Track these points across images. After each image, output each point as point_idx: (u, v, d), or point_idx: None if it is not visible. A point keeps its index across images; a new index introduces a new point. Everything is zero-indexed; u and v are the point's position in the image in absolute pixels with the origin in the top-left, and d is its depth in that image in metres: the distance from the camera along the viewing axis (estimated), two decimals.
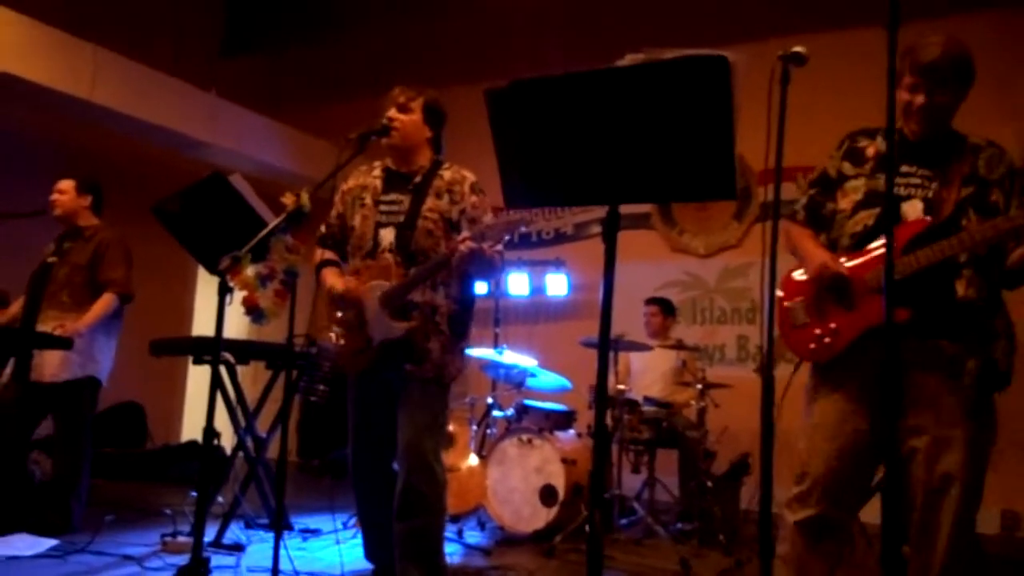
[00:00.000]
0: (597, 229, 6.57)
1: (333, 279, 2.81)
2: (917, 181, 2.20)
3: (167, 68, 5.87)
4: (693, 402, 4.66)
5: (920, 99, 2.15)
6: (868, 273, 2.18)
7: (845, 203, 2.29)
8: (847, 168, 2.32)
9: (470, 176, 2.82)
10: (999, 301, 2.16)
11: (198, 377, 7.25)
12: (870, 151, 2.31)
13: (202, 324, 7.53)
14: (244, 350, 3.88)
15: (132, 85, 5.47)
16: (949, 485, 2.04)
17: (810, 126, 4.33)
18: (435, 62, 7.52)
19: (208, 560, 2.42)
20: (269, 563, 3.29)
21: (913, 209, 2.17)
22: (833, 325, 2.23)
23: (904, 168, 2.21)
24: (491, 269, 2.77)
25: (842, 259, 2.24)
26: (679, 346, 4.95)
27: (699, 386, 4.60)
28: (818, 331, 2.25)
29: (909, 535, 2.11)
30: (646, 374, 5.16)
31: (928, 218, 2.14)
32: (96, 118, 5.49)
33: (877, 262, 2.15)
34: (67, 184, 4.09)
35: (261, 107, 6.77)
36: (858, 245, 2.25)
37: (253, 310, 2.24)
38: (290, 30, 8.02)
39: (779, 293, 2.38)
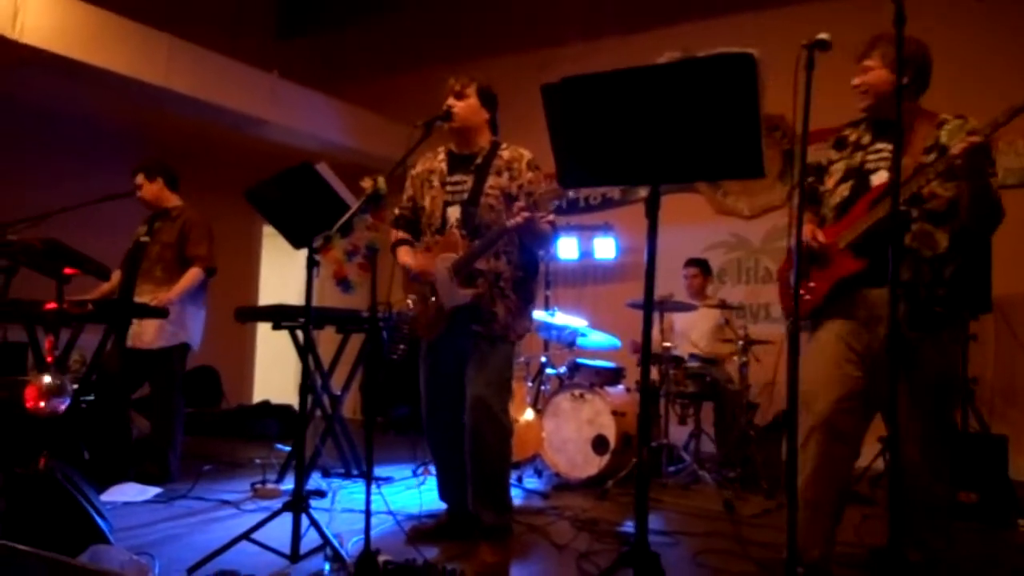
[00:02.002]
0: (643, 193, 6.68)
1: (406, 257, 3.12)
2: (885, 155, 2.52)
3: (230, 52, 6.22)
4: (735, 358, 4.89)
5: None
6: (840, 235, 2.55)
7: (830, 183, 2.69)
8: (832, 155, 2.71)
9: (527, 154, 3.07)
10: (957, 254, 2.44)
11: (267, 342, 7.71)
12: (852, 138, 2.68)
13: (267, 293, 7.99)
14: (320, 316, 4.24)
15: (202, 71, 5.83)
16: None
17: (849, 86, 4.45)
18: (487, 33, 7.72)
19: (307, 496, 2.78)
20: (352, 505, 3.71)
21: (879, 178, 2.52)
22: (812, 284, 2.63)
23: (878, 146, 2.56)
24: (544, 237, 3.02)
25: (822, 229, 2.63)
26: (722, 305, 5.17)
27: (740, 343, 4.83)
28: (802, 291, 2.64)
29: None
30: (691, 332, 5.39)
31: (886, 182, 2.44)
32: (170, 103, 5.88)
33: (846, 225, 2.54)
34: (139, 177, 4.45)
35: (318, 85, 7.06)
36: (840, 214, 2.61)
37: (343, 281, 2.55)
38: (342, 9, 8.28)
39: (782, 263, 2.83)
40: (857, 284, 2.52)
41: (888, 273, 2.36)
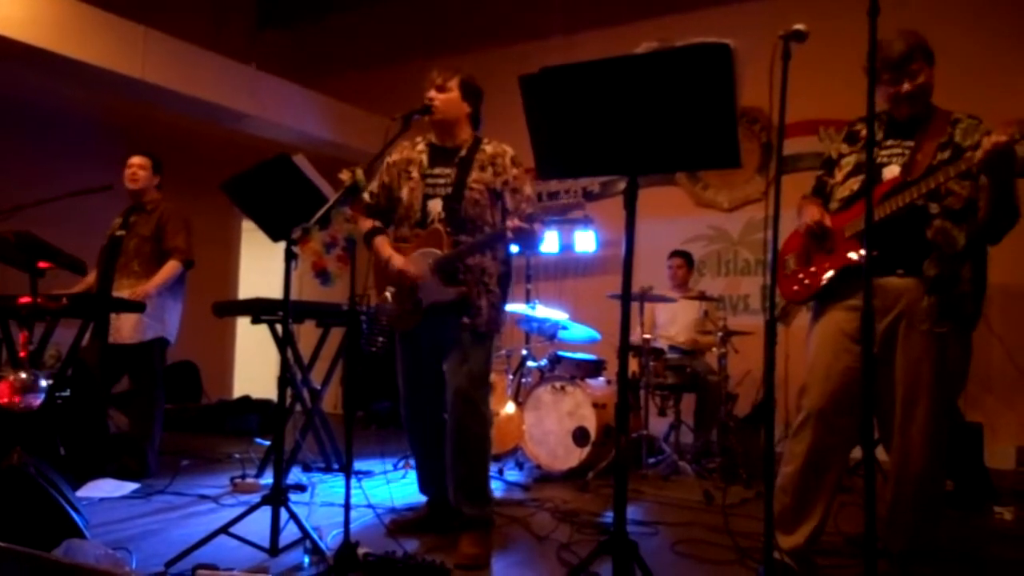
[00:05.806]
0: (623, 186, 6.76)
1: (388, 250, 3.04)
2: (898, 151, 2.52)
3: (209, 44, 6.16)
4: (714, 349, 4.92)
5: (906, 86, 2.47)
6: (846, 224, 2.54)
7: (839, 176, 2.67)
8: (844, 148, 2.69)
9: (510, 150, 3.06)
10: (971, 253, 2.44)
11: (247, 337, 7.65)
12: (863, 133, 2.64)
13: (247, 288, 7.92)
14: (299, 310, 4.22)
15: (178, 63, 5.78)
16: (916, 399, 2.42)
17: (831, 79, 4.46)
18: (468, 26, 7.69)
19: (286, 490, 2.76)
20: (332, 499, 3.69)
21: (891, 172, 2.51)
22: (813, 268, 2.62)
23: (889, 143, 2.55)
24: (535, 240, 2.98)
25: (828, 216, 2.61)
26: (702, 297, 5.19)
27: (719, 334, 4.86)
28: (801, 275, 2.67)
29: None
30: (672, 324, 5.42)
31: (898, 176, 2.46)
32: (146, 95, 5.82)
33: (853, 215, 2.51)
34: (144, 161, 4.37)
35: (297, 77, 7.02)
36: (845, 206, 2.59)
37: (321, 273, 2.53)
38: (322, 0, 8.22)
39: (782, 247, 2.74)
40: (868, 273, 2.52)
41: (905, 262, 2.43)
